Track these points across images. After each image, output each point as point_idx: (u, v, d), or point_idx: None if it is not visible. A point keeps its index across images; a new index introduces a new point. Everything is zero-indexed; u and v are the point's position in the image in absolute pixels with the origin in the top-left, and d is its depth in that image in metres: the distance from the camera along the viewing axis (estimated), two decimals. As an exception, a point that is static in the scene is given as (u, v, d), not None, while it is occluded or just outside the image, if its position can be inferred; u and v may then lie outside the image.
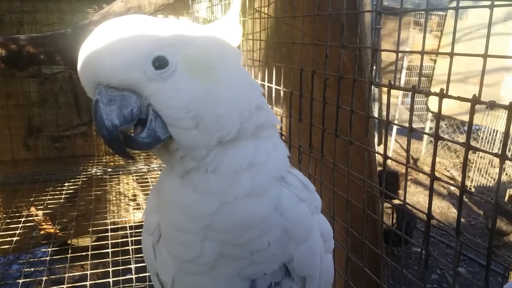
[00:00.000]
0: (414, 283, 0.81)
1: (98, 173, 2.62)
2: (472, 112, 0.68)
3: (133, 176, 2.64)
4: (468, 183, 4.97)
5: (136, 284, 1.50)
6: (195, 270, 0.66)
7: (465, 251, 3.33)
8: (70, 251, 1.71)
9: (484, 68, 0.67)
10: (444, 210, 4.66)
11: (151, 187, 2.43)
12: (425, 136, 6.39)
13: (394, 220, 3.00)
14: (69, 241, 2.04)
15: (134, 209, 2.47)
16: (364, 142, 1.00)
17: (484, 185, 4.97)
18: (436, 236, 3.70)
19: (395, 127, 6.20)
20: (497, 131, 5.23)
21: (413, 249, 3.56)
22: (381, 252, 0.97)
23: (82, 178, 2.53)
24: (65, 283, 1.54)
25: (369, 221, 1.01)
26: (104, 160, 2.86)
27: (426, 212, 0.76)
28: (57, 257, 1.74)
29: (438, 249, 3.52)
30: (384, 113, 0.95)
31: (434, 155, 0.77)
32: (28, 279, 1.60)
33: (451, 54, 0.73)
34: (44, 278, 1.55)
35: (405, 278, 0.86)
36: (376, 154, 1.18)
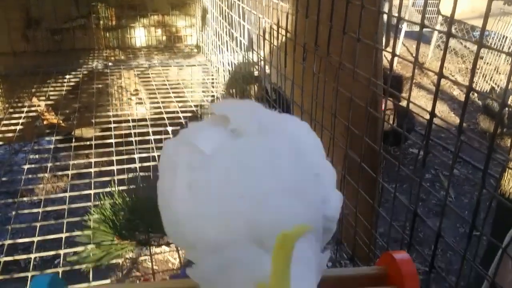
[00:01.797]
0: (409, 180, 0.83)
1: (99, 67, 2.60)
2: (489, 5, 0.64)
3: (134, 71, 2.62)
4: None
5: (140, 173, 1.55)
6: None
7: (460, 154, 3.40)
8: (74, 140, 1.75)
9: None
10: (444, 114, 4.69)
11: (152, 83, 2.42)
12: (433, 40, 6.24)
13: (395, 121, 3.03)
14: (72, 132, 2.07)
15: (136, 103, 2.48)
16: (373, 40, 0.97)
17: (488, 91, 4.95)
18: (434, 139, 3.76)
19: (403, 30, 6.04)
20: (506, 37, 5.10)
21: (409, 150, 3.64)
22: (379, 148, 0.98)
23: (83, 71, 2.52)
24: (70, 170, 1.59)
25: (370, 119, 1.01)
26: (104, 54, 2.82)
27: (430, 110, 0.76)
28: (62, 145, 1.78)
29: (434, 150, 3.59)
30: (394, 14, 0.90)
31: (445, 51, 0.74)
32: (34, 165, 1.66)
33: None
34: (49, 165, 1.60)
35: (400, 176, 0.87)
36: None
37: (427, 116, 0.75)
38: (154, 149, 1.70)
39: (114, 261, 1.18)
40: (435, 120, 0.75)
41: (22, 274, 1.21)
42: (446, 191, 0.75)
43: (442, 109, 4.79)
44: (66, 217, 1.34)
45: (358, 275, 0.69)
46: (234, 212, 0.45)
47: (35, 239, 1.25)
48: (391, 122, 2.73)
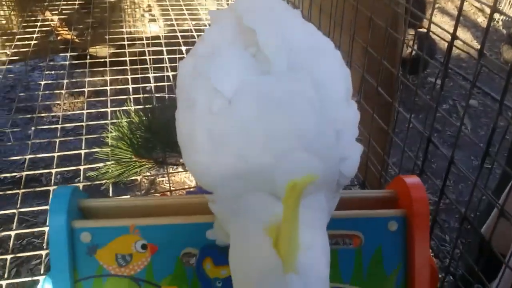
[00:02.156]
0: (425, 110, 0.82)
1: (111, -19, 2.52)
2: None
3: (146, -14, 2.53)
4: (496, 16, 4.73)
5: (156, 93, 1.56)
6: None
7: (479, 83, 3.33)
8: (88, 57, 1.75)
9: None
10: (467, 42, 4.52)
11: (166, -1, 2.34)
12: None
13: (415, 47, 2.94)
14: (87, 51, 2.06)
15: (149, 21, 2.43)
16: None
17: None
18: (453, 67, 3.66)
19: None
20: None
21: (428, 79, 3.57)
22: (397, 72, 0.96)
23: (95, -15, 2.44)
24: (86, 87, 1.60)
25: (389, 42, 0.98)
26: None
27: (451, 32, 0.73)
28: (76, 62, 1.78)
29: (452, 82, 3.52)
30: None
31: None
32: (50, 81, 1.67)
33: None
34: (65, 81, 1.61)
35: (416, 105, 0.86)
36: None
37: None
38: (169, 69, 1.70)
39: (132, 178, 1.22)
40: (456, 45, 0.73)
41: (44, 188, 1.26)
42: (461, 120, 0.74)
43: (464, 36, 4.61)
44: (85, 134, 1.37)
45: (367, 198, 0.71)
46: (253, 164, 0.46)
47: (55, 154, 1.29)
48: (410, 48, 2.64)
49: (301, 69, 0.49)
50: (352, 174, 0.51)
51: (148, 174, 2.29)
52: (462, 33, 4.60)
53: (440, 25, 0.83)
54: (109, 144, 1.25)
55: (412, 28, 2.73)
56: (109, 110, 1.44)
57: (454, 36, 0.72)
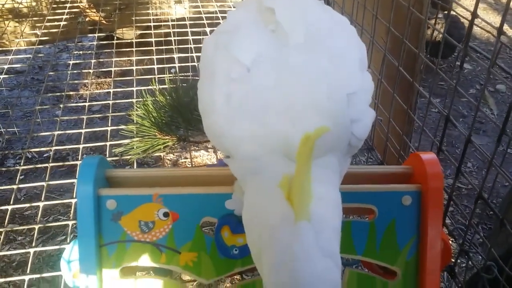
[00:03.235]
0: (447, 95, 0.81)
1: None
2: None
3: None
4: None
5: (180, 74, 1.59)
6: None
7: (509, 68, 3.24)
8: (115, 39, 1.78)
9: None
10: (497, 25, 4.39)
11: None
12: None
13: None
14: (114, 32, 2.10)
15: (175, 3, 2.45)
16: None
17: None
18: (483, 52, 3.58)
19: None
20: None
21: (456, 63, 3.49)
22: (419, 52, 0.96)
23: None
24: (113, 67, 1.64)
25: (412, 22, 0.98)
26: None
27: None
28: (104, 43, 1.82)
29: (480, 67, 3.44)
30: None
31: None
32: (77, 61, 1.71)
33: None
34: (93, 61, 1.65)
35: (443, 89, 0.86)
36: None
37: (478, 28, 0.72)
38: (193, 50, 1.72)
39: (156, 154, 1.25)
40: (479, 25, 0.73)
41: (71, 163, 1.31)
42: (479, 100, 0.74)
43: (494, 20, 4.48)
44: (111, 112, 1.41)
45: (384, 173, 0.73)
46: (270, 128, 0.49)
47: (82, 131, 1.34)
48: (436, 32, 2.59)
49: (316, 41, 0.52)
50: (363, 136, 0.53)
51: (171, 155, 2.33)
52: (492, 16, 4.47)
53: (462, 5, 0.83)
54: (135, 121, 1.28)
55: (442, 10, 2.67)
56: (134, 89, 1.48)
57: (474, 14, 0.71)
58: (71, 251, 0.69)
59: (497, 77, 0.74)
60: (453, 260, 0.79)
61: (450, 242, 0.75)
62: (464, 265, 1.37)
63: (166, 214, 0.67)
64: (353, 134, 0.52)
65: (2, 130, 1.94)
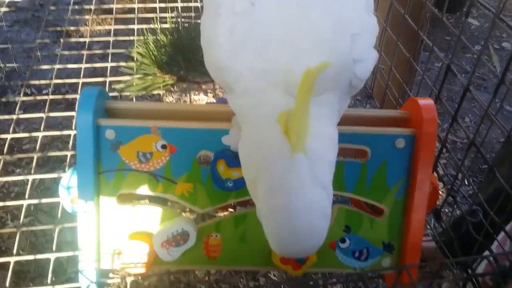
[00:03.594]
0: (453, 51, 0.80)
1: None
2: None
3: None
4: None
5: (182, 14, 1.56)
6: None
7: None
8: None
9: None
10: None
11: None
12: None
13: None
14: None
15: None
16: None
17: None
18: (491, 8, 3.50)
19: None
20: None
21: (462, 19, 3.43)
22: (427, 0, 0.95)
23: None
24: (115, 4, 1.61)
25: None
26: None
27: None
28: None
29: (489, 23, 3.37)
30: None
31: None
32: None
33: None
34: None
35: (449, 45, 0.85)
36: None
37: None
38: (197, -10, 1.68)
39: (155, 92, 1.25)
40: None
41: (71, 96, 1.31)
42: (479, 54, 0.74)
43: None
44: (112, 48, 1.40)
45: (381, 116, 0.74)
46: (272, 62, 0.50)
47: (83, 66, 1.33)
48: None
49: None
50: (365, 76, 0.54)
51: (171, 97, 2.33)
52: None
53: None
54: (135, 59, 1.28)
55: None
56: (135, 27, 1.46)
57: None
58: (70, 178, 0.71)
59: (503, 32, 0.73)
60: (440, 204, 0.81)
61: (440, 190, 0.77)
62: (451, 212, 1.41)
63: (164, 146, 0.69)
64: (355, 74, 0.53)
65: (1, 65, 1.92)
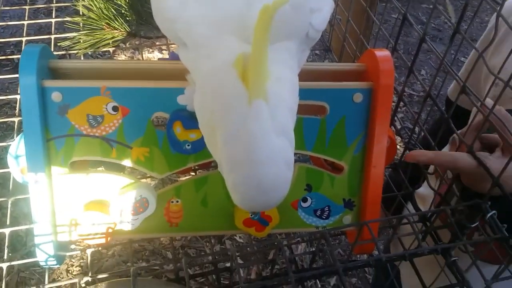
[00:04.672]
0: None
1: None
2: None
3: None
4: None
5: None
6: None
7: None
8: None
9: None
10: None
11: None
12: None
13: None
14: None
15: None
16: None
17: None
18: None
19: None
20: None
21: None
22: None
23: None
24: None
25: None
26: None
27: None
28: None
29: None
30: None
31: None
32: None
33: None
34: None
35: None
36: None
37: None
38: None
39: (104, 49, 1.19)
40: None
41: (13, 56, 1.23)
42: (434, 5, 0.73)
43: None
44: (55, 3, 1.31)
45: (337, 70, 0.72)
46: (225, 9, 0.47)
47: (25, 22, 1.24)
48: None
49: None
50: (321, 27, 0.53)
51: (123, 56, 2.23)
52: None
53: None
54: (81, 13, 1.20)
55: None
56: (81, -21, 1.36)
57: None
58: (17, 146, 0.67)
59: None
60: (398, 158, 0.83)
61: (398, 144, 0.78)
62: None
63: (115, 108, 0.65)
64: (311, 25, 0.51)
65: None
